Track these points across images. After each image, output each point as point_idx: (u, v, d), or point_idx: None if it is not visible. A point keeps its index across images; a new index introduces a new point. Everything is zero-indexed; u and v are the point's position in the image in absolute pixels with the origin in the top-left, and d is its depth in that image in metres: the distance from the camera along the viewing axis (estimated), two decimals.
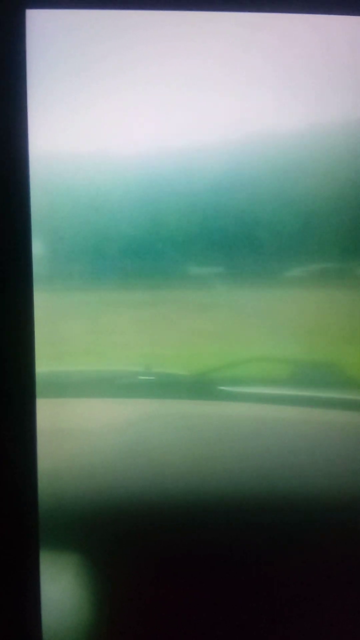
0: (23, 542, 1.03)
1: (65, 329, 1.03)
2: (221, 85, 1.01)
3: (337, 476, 1.07)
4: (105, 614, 1.09)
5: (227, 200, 1.02)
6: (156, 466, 1.06)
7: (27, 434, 1.01)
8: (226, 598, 1.08)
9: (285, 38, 1.01)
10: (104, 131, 1.00)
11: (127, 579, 1.08)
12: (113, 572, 1.08)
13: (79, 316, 1.03)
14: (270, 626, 1.08)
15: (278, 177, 1.01)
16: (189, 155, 1.01)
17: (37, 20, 0.96)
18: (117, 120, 1.00)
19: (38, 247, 1.00)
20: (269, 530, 1.07)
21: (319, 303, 1.04)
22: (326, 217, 1.03)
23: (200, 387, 1.07)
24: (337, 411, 1.09)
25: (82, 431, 1.06)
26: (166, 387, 1.07)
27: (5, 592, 1.03)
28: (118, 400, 1.08)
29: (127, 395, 1.07)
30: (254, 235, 1.03)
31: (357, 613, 1.09)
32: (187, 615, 1.08)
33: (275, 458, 1.06)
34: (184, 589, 1.08)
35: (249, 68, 1.01)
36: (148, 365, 1.06)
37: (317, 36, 1.01)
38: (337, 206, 1.03)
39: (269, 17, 0.99)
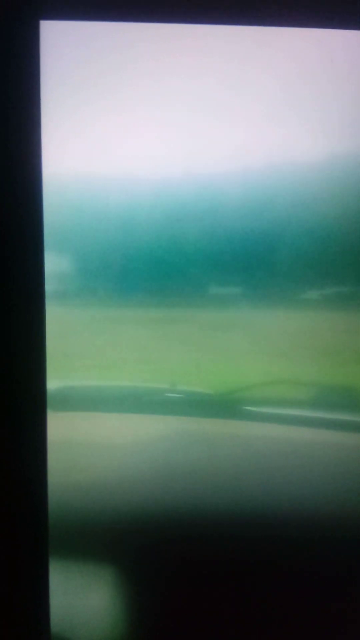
0: (33, 553, 1.03)
1: (82, 344, 1.03)
2: (243, 109, 1.01)
3: (353, 498, 1.09)
4: (112, 624, 1.10)
5: (247, 223, 1.03)
6: (166, 482, 1.07)
7: (37, 447, 1.01)
8: (233, 609, 1.10)
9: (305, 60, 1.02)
10: (116, 145, 1.00)
11: (135, 591, 1.09)
12: (121, 584, 1.10)
13: (95, 332, 1.03)
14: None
15: (294, 203, 1.03)
16: (207, 176, 1.02)
17: (51, 32, 0.95)
18: (131, 134, 1.00)
19: (55, 263, 1.00)
20: (282, 549, 1.09)
21: (336, 325, 1.06)
22: (341, 241, 1.05)
23: (213, 405, 1.09)
24: (354, 434, 1.11)
25: (93, 445, 1.06)
26: (178, 403, 1.08)
27: (15, 602, 1.03)
28: (135, 415, 1.08)
29: (146, 411, 1.08)
30: (273, 258, 1.04)
31: (353, 628, 1.12)
32: (192, 625, 1.10)
33: (292, 478, 1.08)
34: (192, 601, 1.10)
35: (272, 90, 1.01)
36: (173, 382, 1.07)
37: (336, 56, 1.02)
38: (352, 231, 1.05)
39: (286, 32, 1.00)
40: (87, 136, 0.99)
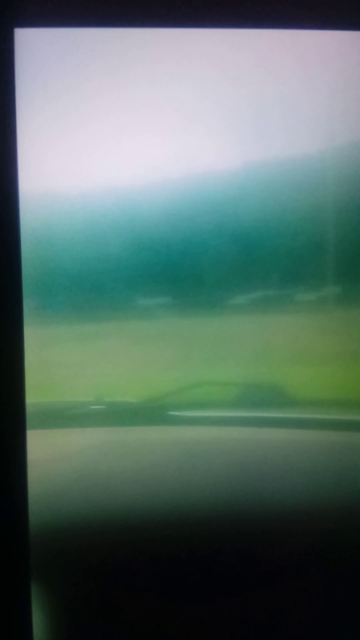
0: (14, 569, 1.02)
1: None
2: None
3: (284, 490, 1.13)
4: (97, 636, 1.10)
5: (169, 234, 1.05)
6: (95, 492, 1.08)
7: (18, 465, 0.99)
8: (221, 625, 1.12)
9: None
10: (94, 156, 0.99)
11: (119, 603, 1.10)
12: (105, 598, 1.10)
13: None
14: None
15: (215, 210, 1.06)
16: (133, 190, 1.03)
17: (26, 40, 0.92)
18: (109, 144, 0.99)
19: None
20: (226, 550, 1.11)
21: (260, 328, 1.10)
22: (265, 247, 1.08)
23: (151, 413, 1.11)
24: (281, 429, 1.16)
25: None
26: (117, 415, 1.10)
27: None
28: (68, 430, 1.10)
29: (78, 424, 1.09)
30: (197, 266, 1.07)
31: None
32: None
33: (224, 477, 1.11)
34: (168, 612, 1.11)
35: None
36: (99, 395, 1.08)
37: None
38: (276, 236, 1.07)
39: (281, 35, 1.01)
40: (66, 145, 0.97)
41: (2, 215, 0.93)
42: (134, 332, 1.07)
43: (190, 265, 1.06)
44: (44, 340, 1.03)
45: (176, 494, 1.09)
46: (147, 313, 1.07)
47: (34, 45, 0.93)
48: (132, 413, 1.11)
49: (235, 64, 1.01)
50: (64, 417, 1.09)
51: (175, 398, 1.11)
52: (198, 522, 1.10)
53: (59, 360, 1.05)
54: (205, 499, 1.10)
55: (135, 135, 1.00)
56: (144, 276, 1.05)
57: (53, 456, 1.07)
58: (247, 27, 1.00)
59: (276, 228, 1.07)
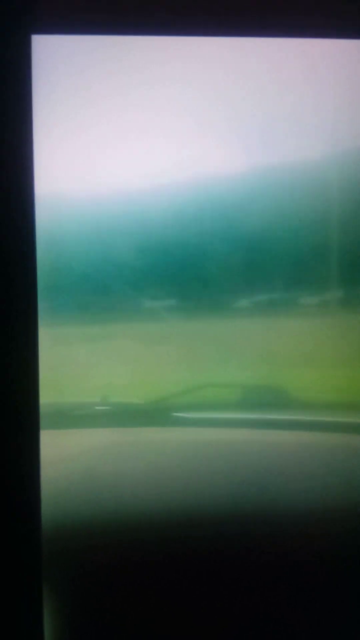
0: (26, 568, 1.02)
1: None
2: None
3: (288, 492, 1.14)
4: (107, 635, 1.11)
5: (176, 238, 1.07)
6: (121, 491, 1.10)
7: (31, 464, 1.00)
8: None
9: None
10: (110, 159, 1.00)
11: (129, 602, 1.11)
12: (115, 595, 1.11)
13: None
14: None
15: (224, 215, 1.07)
16: (142, 195, 1.04)
17: (43, 46, 0.94)
18: (126, 148, 1.00)
19: None
20: (230, 551, 1.13)
21: (264, 331, 1.12)
22: (269, 251, 1.10)
23: (156, 414, 1.12)
24: (285, 431, 1.17)
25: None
26: (122, 415, 1.11)
27: (7, 617, 1.02)
28: (74, 430, 1.11)
29: (84, 425, 1.10)
30: (203, 270, 1.08)
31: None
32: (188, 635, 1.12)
33: (229, 478, 1.13)
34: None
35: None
36: (105, 395, 1.09)
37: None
38: (280, 240, 1.10)
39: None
40: (80, 150, 0.99)
41: (18, 218, 0.95)
42: (141, 334, 1.09)
43: (197, 268, 1.07)
44: (53, 341, 1.04)
45: (181, 495, 1.11)
46: (154, 315, 1.08)
47: (51, 52, 0.95)
48: (137, 414, 1.12)
49: (243, 71, 1.03)
50: (70, 417, 1.10)
51: (180, 399, 1.12)
52: (203, 523, 1.11)
53: (67, 361, 1.05)
54: (209, 500, 1.12)
55: (144, 141, 1.02)
56: (151, 279, 1.07)
57: (59, 456, 1.07)
58: (254, 35, 1.02)
59: (281, 232, 1.09)
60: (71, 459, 1.09)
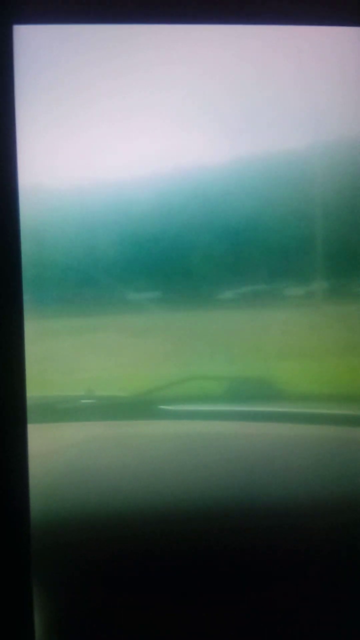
0: (15, 562, 1.02)
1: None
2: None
3: (277, 484, 1.14)
4: (97, 630, 1.11)
5: (161, 229, 1.06)
6: (107, 484, 1.10)
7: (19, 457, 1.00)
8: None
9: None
10: (93, 151, 1.00)
11: (120, 597, 1.11)
12: (105, 590, 1.11)
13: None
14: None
15: (209, 206, 1.07)
16: (126, 186, 1.04)
17: (24, 36, 0.93)
18: (108, 140, 1.00)
19: None
20: (220, 545, 1.13)
21: (252, 323, 1.12)
22: (255, 241, 1.10)
23: (143, 407, 1.12)
24: (273, 423, 1.17)
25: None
26: (109, 408, 1.11)
27: None
28: (61, 424, 1.10)
29: (71, 418, 1.10)
30: (189, 261, 1.08)
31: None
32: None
33: (217, 470, 1.13)
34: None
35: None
36: (92, 388, 1.09)
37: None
38: (266, 231, 1.10)
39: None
40: (64, 141, 0.98)
41: (2, 211, 0.94)
42: (127, 326, 1.08)
43: (183, 260, 1.07)
44: (38, 334, 1.03)
45: (169, 488, 1.11)
46: (140, 307, 1.08)
47: (33, 42, 0.94)
48: (124, 407, 1.11)
49: (226, 60, 1.03)
50: (56, 410, 1.09)
51: (167, 392, 1.12)
52: (191, 516, 1.12)
53: (53, 354, 1.05)
54: (197, 493, 1.12)
55: (128, 131, 1.01)
56: (137, 271, 1.07)
57: (46, 450, 1.07)
58: (241, 23, 1.02)
59: (266, 223, 1.09)
60: (59, 452, 1.09)
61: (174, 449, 1.12)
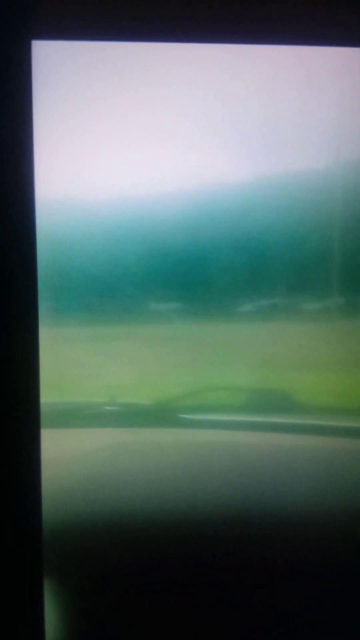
0: (27, 566, 1.04)
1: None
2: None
3: (290, 494, 1.15)
4: (106, 634, 1.12)
5: (181, 242, 1.08)
6: (114, 492, 1.11)
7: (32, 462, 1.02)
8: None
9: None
10: (110, 165, 1.01)
11: (129, 601, 1.12)
12: (115, 595, 1.12)
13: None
14: None
15: (229, 221, 1.08)
16: (148, 199, 1.05)
17: (43, 52, 0.95)
18: (126, 153, 1.01)
19: None
20: (228, 552, 1.13)
21: (268, 335, 1.12)
22: (273, 257, 1.10)
23: (161, 415, 1.13)
24: (288, 434, 1.17)
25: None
26: (128, 416, 1.12)
27: (8, 615, 1.04)
28: (79, 430, 1.12)
29: (89, 425, 1.11)
30: (207, 274, 1.09)
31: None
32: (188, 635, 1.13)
33: (232, 479, 1.13)
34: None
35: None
36: (111, 396, 1.11)
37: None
38: (284, 247, 1.10)
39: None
40: (81, 155, 1.00)
41: (19, 221, 0.96)
42: (146, 336, 1.10)
43: (201, 272, 1.09)
44: (58, 341, 1.06)
45: (183, 496, 1.12)
46: (159, 318, 1.09)
47: (51, 58, 0.96)
48: (143, 415, 1.13)
49: (249, 80, 1.04)
50: (75, 417, 1.11)
51: (185, 401, 1.13)
52: (205, 524, 1.12)
53: (72, 362, 1.07)
54: (212, 502, 1.12)
55: (145, 146, 1.03)
56: (156, 282, 1.08)
57: (64, 456, 1.09)
58: (258, 43, 1.03)
59: (284, 239, 1.10)
60: (73, 458, 1.10)
61: (190, 457, 1.13)
